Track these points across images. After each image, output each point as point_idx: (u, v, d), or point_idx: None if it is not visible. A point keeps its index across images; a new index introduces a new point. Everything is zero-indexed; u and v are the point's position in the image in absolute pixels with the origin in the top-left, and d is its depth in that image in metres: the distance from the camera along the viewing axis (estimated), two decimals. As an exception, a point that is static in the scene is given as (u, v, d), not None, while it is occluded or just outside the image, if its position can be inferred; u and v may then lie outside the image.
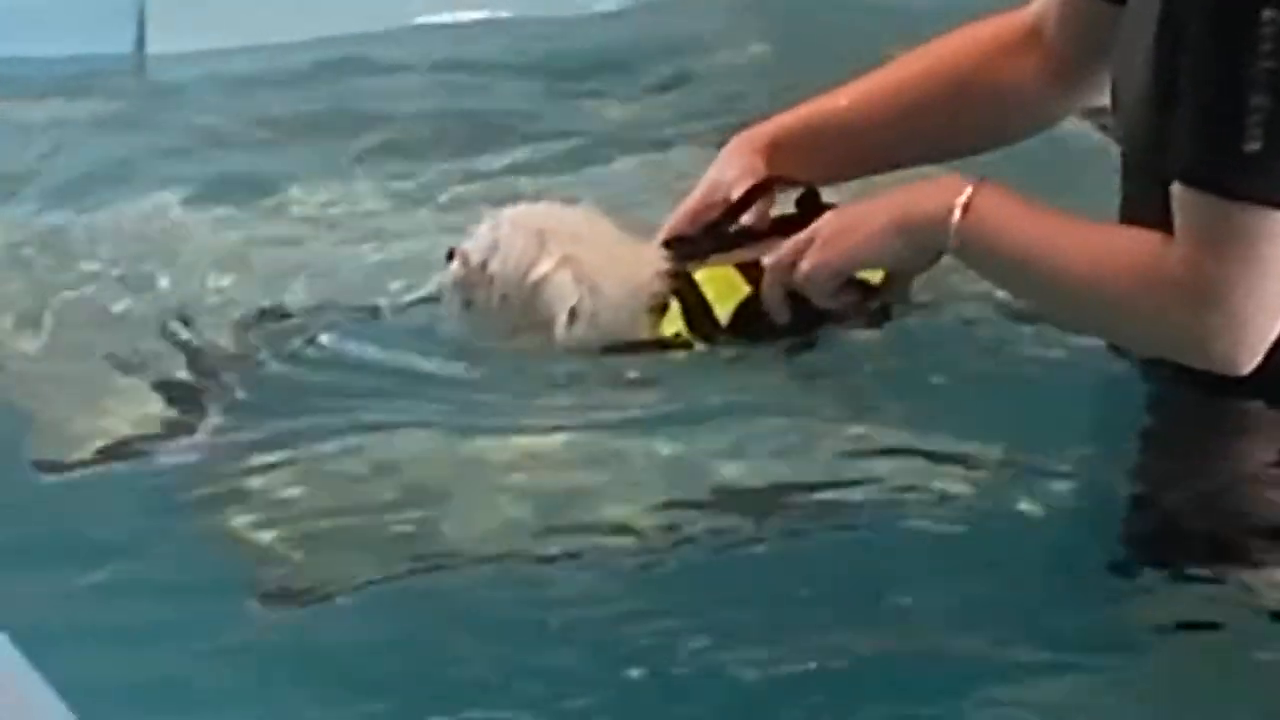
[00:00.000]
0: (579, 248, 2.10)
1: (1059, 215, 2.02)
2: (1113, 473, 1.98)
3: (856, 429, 2.06)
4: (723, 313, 2.08)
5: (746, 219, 2.18)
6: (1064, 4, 2.16)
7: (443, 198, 2.65)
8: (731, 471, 1.99)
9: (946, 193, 2.01)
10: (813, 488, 1.97)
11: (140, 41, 3.23)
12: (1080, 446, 2.06)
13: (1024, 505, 1.96)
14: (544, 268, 2.08)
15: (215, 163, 2.85)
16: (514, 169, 2.70)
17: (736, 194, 2.14)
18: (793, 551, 1.89)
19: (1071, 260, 1.99)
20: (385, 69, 3.21)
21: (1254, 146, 1.83)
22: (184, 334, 2.31)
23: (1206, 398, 2.00)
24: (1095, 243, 2.00)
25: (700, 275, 2.09)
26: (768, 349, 2.11)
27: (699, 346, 2.10)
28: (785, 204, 2.20)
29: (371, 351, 2.23)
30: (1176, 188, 1.88)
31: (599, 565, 1.82)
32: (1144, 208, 2.00)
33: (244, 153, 2.90)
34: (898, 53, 2.32)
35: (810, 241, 2.05)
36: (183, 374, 2.22)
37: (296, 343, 2.27)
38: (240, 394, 2.17)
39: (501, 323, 2.11)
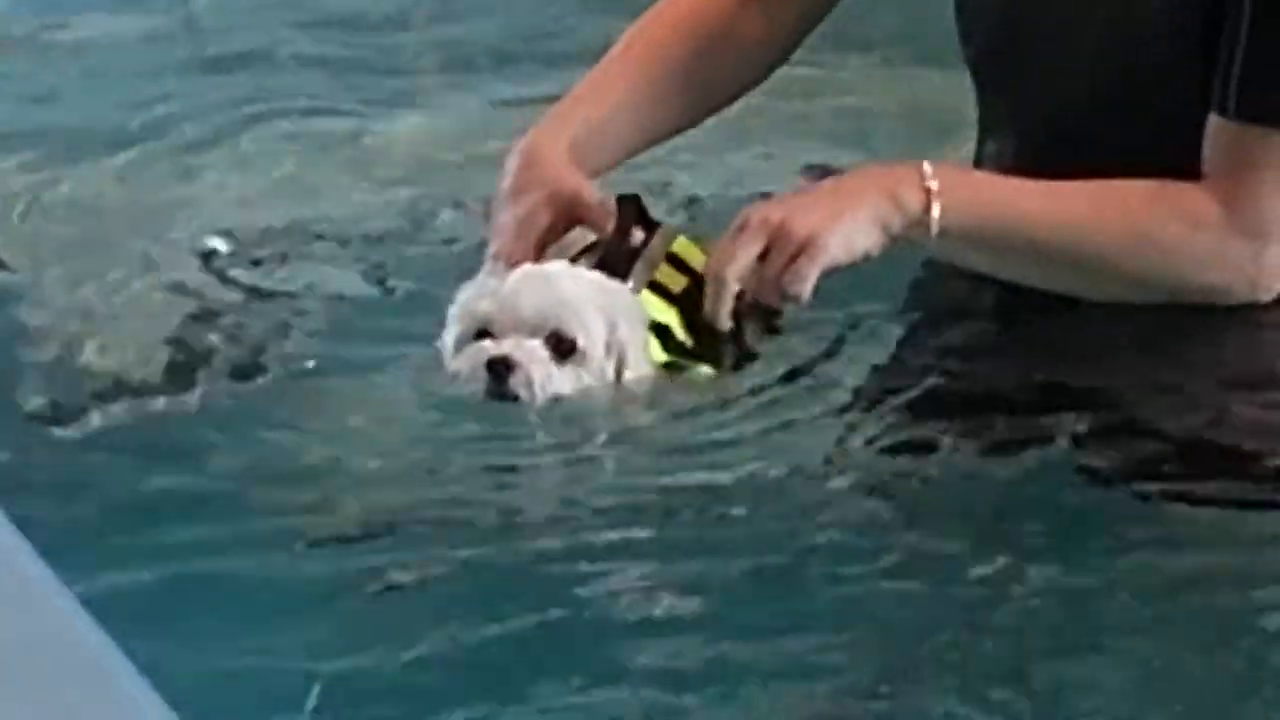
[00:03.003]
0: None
1: (1045, 185, 2.04)
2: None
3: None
4: (682, 334, 2.04)
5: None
6: None
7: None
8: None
9: (911, 185, 1.99)
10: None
11: None
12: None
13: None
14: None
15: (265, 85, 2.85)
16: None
17: (594, 218, 2.07)
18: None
19: (1099, 226, 2.02)
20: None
21: None
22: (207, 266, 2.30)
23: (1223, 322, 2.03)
24: (1117, 199, 2.02)
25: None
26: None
27: (700, 369, 2.05)
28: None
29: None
30: (1229, 125, 1.92)
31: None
32: (1099, 148, 2.02)
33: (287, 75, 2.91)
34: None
35: (768, 237, 1.99)
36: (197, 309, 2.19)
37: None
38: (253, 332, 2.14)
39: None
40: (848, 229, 1.96)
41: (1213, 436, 1.96)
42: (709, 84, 2.19)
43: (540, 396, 1.95)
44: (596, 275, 2.00)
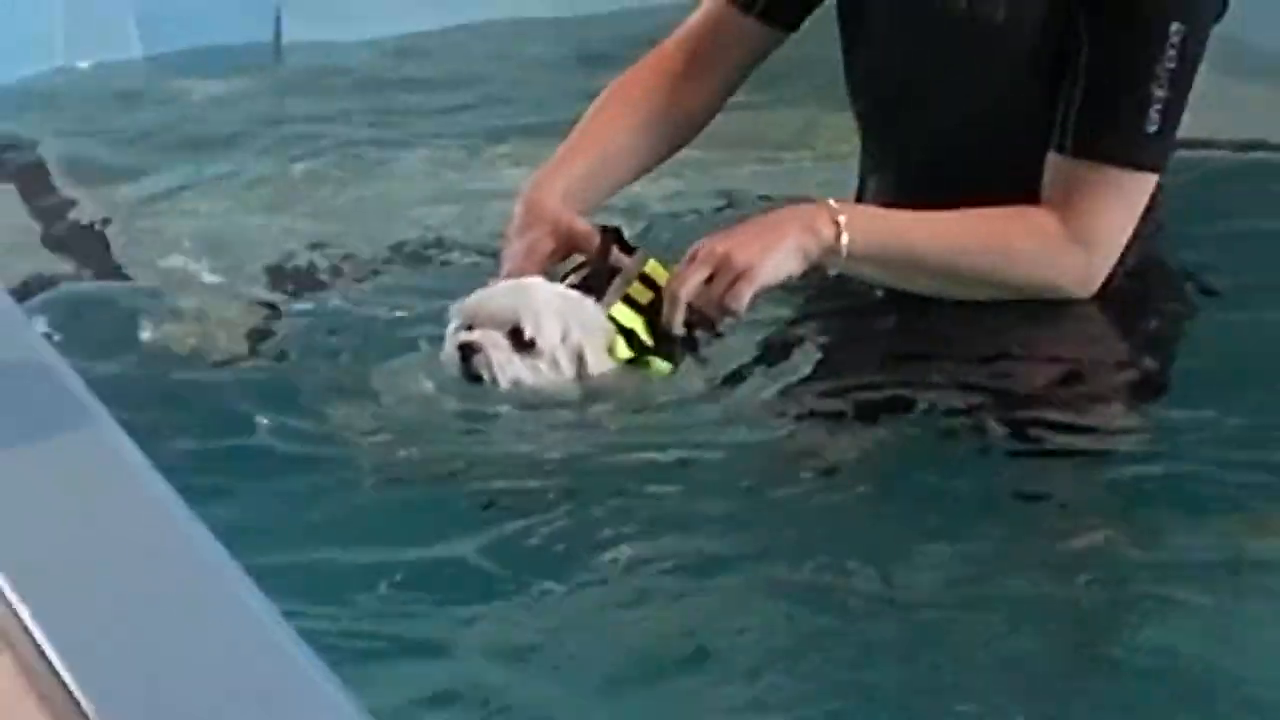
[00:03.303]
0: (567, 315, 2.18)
1: (928, 214, 2.26)
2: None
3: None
4: (646, 337, 2.22)
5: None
6: (720, 35, 2.42)
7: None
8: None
9: (824, 220, 2.21)
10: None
11: (277, 33, 3.62)
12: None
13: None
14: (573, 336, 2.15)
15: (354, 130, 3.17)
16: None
17: (585, 245, 2.27)
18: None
19: (971, 244, 2.26)
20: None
21: (1153, 128, 2.17)
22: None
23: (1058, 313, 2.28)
24: (981, 224, 2.26)
25: (613, 312, 2.21)
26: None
27: (659, 364, 2.22)
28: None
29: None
30: (1065, 160, 2.19)
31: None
32: (965, 182, 2.25)
33: (371, 129, 3.22)
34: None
35: (713, 265, 2.18)
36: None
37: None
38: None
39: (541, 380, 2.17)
40: (776, 258, 2.19)
41: (1051, 396, 2.22)
42: (666, 136, 2.43)
43: (501, 379, 2.14)
44: (564, 289, 2.20)
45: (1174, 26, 2.14)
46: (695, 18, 2.42)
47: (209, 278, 2.59)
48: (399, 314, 2.42)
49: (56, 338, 2.29)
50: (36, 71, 3.49)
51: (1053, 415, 2.20)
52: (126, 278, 2.65)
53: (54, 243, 2.79)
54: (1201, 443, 2.13)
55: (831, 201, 2.23)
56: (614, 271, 2.22)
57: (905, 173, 2.37)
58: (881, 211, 2.26)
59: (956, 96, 2.32)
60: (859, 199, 2.42)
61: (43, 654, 1.36)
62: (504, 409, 2.16)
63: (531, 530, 1.96)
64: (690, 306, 2.17)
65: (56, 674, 1.35)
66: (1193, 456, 2.11)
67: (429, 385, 2.18)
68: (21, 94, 3.46)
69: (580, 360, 2.15)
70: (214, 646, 1.39)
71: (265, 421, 2.15)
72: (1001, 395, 2.21)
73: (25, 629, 1.39)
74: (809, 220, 2.19)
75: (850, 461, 2.13)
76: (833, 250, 2.18)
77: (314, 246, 2.69)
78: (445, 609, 1.85)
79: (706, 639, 1.83)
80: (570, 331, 2.15)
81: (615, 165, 2.40)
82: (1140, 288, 2.31)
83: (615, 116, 2.41)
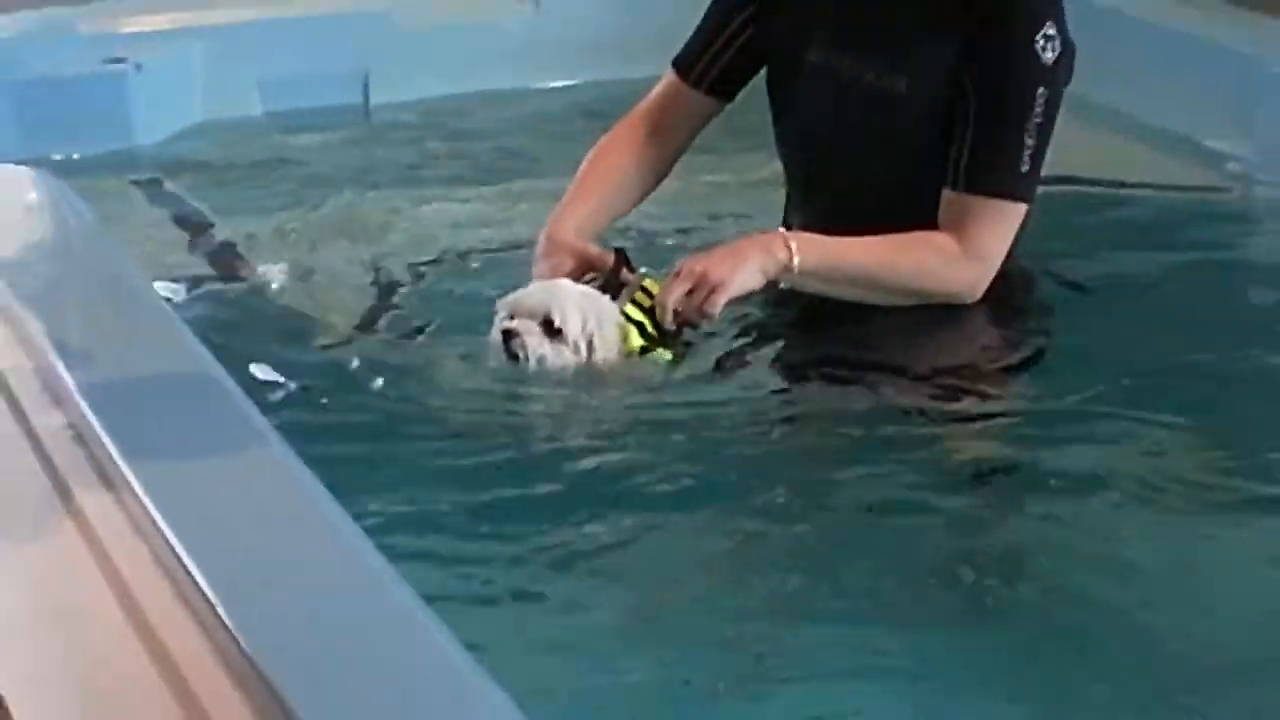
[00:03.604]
0: (587, 311, 2.27)
1: (857, 239, 2.35)
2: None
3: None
4: (651, 330, 2.31)
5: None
6: (676, 105, 2.56)
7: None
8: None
9: (780, 246, 2.32)
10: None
11: (366, 96, 3.85)
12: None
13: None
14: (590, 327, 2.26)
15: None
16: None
17: (598, 264, 2.38)
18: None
19: (892, 262, 2.38)
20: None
21: (1025, 168, 2.34)
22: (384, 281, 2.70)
23: (949, 317, 2.43)
24: (899, 246, 2.37)
25: (626, 309, 2.30)
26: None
27: (662, 353, 2.32)
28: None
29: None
30: (958, 195, 2.32)
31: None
32: (872, 215, 2.38)
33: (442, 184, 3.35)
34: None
35: (694, 280, 2.30)
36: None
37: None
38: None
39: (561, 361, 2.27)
40: (742, 276, 2.31)
41: (946, 379, 2.36)
42: (641, 183, 2.59)
43: (533, 359, 2.22)
44: (587, 288, 2.29)
45: (1040, 91, 2.32)
46: (655, 92, 2.57)
47: (319, 279, 2.78)
48: (459, 308, 2.55)
49: (204, 330, 2.26)
50: (183, 126, 3.70)
51: (953, 387, 2.34)
52: (261, 286, 2.80)
53: (199, 253, 2.98)
54: (1062, 404, 2.30)
55: (782, 229, 2.40)
56: (621, 284, 2.35)
57: (826, 210, 2.48)
58: (822, 238, 2.35)
59: (869, 152, 2.44)
60: (786, 229, 2.51)
61: (237, 644, 1.36)
62: (539, 388, 2.25)
63: (560, 475, 2.08)
64: (677, 311, 2.30)
65: (249, 660, 1.34)
66: (1055, 416, 2.29)
67: (490, 364, 2.28)
68: (171, 142, 3.67)
69: (590, 346, 2.24)
70: (378, 639, 1.38)
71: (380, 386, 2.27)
72: (906, 371, 2.36)
73: (223, 623, 1.39)
74: (768, 245, 2.33)
75: (800, 424, 2.28)
76: (787, 269, 2.32)
77: (390, 255, 2.87)
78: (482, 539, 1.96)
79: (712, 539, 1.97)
80: (588, 322, 2.24)
81: (611, 205, 2.54)
82: (1008, 291, 2.46)
83: (607, 168, 2.54)
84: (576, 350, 2.22)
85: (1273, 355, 2.50)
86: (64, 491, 1.64)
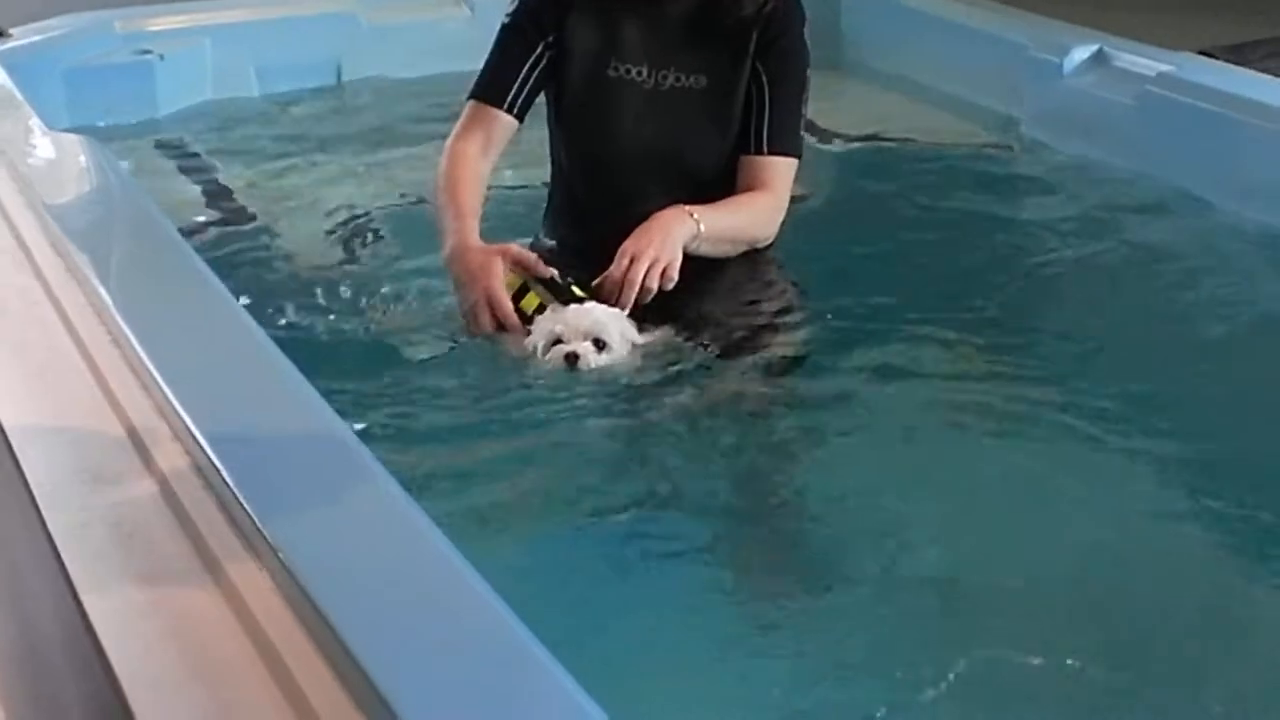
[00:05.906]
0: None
1: (725, 202, 2.64)
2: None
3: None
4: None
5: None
6: (494, 128, 2.76)
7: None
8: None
9: (687, 218, 2.60)
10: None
11: (339, 78, 4.28)
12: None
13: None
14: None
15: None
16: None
17: (525, 257, 2.61)
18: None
19: (749, 218, 2.71)
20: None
21: (802, 132, 2.74)
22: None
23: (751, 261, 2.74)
24: (748, 204, 2.68)
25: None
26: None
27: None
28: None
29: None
30: (759, 158, 2.66)
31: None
32: (686, 185, 2.68)
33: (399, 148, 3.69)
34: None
35: (650, 259, 2.53)
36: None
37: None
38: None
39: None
40: (677, 246, 2.59)
41: (751, 319, 2.69)
42: (484, 190, 2.78)
43: (588, 368, 2.51)
44: (609, 309, 2.55)
45: (807, 72, 2.76)
46: (470, 118, 2.79)
47: (307, 221, 3.23)
48: (420, 241, 2.85)
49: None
50: (196, 103, 4.14)
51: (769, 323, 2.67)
52: (260, 224, 3.23)
53: (210, 201, 3.41)
54: (854, 328, 2.73)
55: (684, 205, 2.65)
56: (572, 295, 2.60)
57: (623, 194, 2.74)
58: (704, 208, 2.65)
59: (675, 141, 2.75)
60: (554, 211, 2.87)
61: (344, 647, 1.44)
62: (588, 385, 2.53)
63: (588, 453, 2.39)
64: (642, 285, 2.57)
65: (352, 657, 1.43)
66: (852, 340, 2.70)
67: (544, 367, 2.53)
68: (188, 115, 4.10)
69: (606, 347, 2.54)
70: (464, 639, 1.46)
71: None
72: (743, 314, 2.71)
73: (329, 625, 1.47)
74: (681, 219, 2.63)
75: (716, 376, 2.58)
76: (695, 236, 2.64)
77: (361, 200, 3.32)
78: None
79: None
80: (625, 335, 2.58)
81: (478, 212, 2.77)
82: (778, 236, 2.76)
83: (467, 183, 2.77)
84: (611, 354, 2.57)
85: (1039, 270, 3.01)
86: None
